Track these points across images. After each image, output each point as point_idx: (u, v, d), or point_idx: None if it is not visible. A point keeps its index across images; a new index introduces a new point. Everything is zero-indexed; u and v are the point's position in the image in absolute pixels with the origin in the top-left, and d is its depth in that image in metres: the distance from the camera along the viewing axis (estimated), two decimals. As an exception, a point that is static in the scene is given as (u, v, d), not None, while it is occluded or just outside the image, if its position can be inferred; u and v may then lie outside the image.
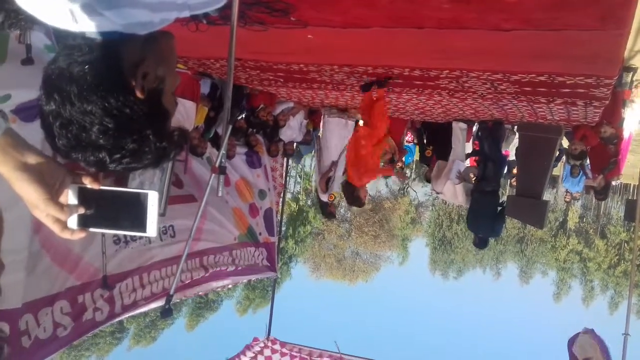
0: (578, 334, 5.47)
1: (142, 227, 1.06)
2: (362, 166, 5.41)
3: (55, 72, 0.99)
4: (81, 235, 1.05)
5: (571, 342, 5.46)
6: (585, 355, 5.08)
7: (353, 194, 5.77)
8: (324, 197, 7.92)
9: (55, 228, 1.02)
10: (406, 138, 9.01)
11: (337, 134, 7.84)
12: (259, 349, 7.09)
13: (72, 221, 1.04)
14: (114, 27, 0.92)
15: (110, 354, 32.13)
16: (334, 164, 7.86)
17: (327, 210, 8.22)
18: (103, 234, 4.56)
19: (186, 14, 1.03)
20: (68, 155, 1.02)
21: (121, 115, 1.01)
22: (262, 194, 7.83)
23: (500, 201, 7.67)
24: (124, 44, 1.01)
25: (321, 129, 8.71)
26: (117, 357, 33.02)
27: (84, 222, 1.05)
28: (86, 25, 0.90)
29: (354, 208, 42.25)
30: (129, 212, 1.06)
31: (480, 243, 7.79)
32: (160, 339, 35.04)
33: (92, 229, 1.06)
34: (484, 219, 7.39)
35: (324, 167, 7.96)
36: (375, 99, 4.95)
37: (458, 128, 7.27)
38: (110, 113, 0.99)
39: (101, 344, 31.45)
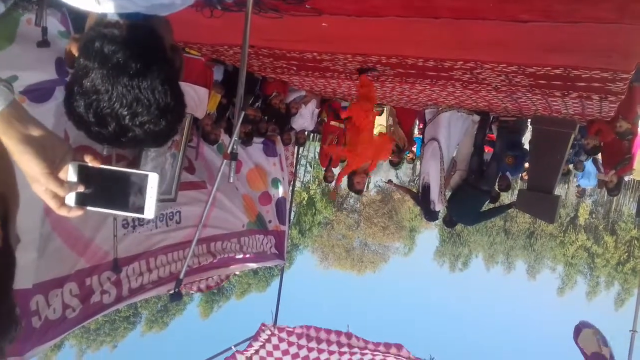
0: (580, 328, 5.43)
1: (140, 208, 1.04)
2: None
3: (116, 60, 0.99)
4: (78, 213, 1.04)
5: (576, 334, 5.43)
6: (591, 349, 5.06)
7: (351, 182, 5.77)
8: (439, 207, 7.28)
9: (53, 204, 1.01)
10: (418, 128, 8.97)
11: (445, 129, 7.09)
12: (266, 336, 7.12)
13: (70, 198, 1.03)
14: (136, 9, 0.92)
15: (124, 340, 32.62)
16: (454, 162, 7.33)
17: (435, 215, 7.52)
18: (115, 217, 4.60)
19: None
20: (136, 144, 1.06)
21: (179, 93, 1.08)
22: (275, 183, 7.86)
23: (494, 205, 7.73)
24: (158, 25, 1.04)
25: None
26: (131, 343, 33.55)
27: (82, 200, 1.03)
28: (108, 7, 0.90)
29: (364, 199, 42.49)
30: (128, 192, 1.04)
31: (450, 223, 7.86)
32: (173, 325, 35.49)
33: (89, 208, 1.05)
34: (469, 213, 7.43)
35: (447, 170, 7.18)
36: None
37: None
38: (175, 94, 1.06)
39: (120, 330, 31.87)
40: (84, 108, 1.00)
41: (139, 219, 4.99)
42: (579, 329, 5.29)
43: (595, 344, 5.02)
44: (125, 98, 0.98)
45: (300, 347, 7.15)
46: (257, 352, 6.81)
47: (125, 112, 0.99)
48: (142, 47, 1.00)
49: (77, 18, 3.49)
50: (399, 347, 6.90)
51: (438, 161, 6.95)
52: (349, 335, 7.09)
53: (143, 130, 1.02)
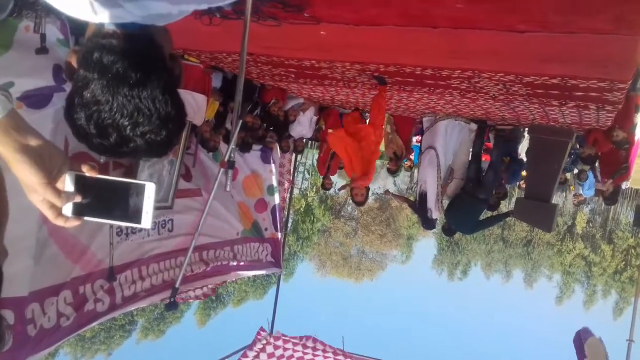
0: (587, 332, 5.41)
1: (137, 218, 1.04)
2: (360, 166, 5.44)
3: (116, 71, 0.99)
4: (75, 223, 1.04)
5: (581, 338, 5.40)
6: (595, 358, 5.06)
7: (351, 195, 5.77)
8: (436, 215, 7.29)
9: (49, 214, 1.00)
10: (416, 137, 8.97)
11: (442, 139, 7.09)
12: (261, 345, 7.10)
13: (67, 208, 1.02)
14: (132, 19, 0.93)
15: (119, 348, 32.54)
16: (451, 170, 7.25)
17: (432, 223, 7.52)
18: (111, 225, 4.59)
19: (204, 6, 1.03)
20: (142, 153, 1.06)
21: (180, 102, 1.09)
22: (271, 190, 7.86)
23: (490, 214, 7.73)
24: (157, 34, 1.05)
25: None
26: (126, 351, 33.46)
27: (79, 210, 1.03)
28: (105, 17, 0.90)
29: (361, 206, 42.49)
30: (125, 202, 1.04)
31: (449, 231, 7.87)
32: (170, 333, 35.41)
33: (86, 218, 1.04)
34: (467, 222, 7.43)
35: (444, 178, 7.15)
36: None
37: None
38: (175, 103, 1.07)
39: (115, 338, 31.80)
40: (85, 119, 1.00)
41: (132, 226, 4.96)
42: (580, 337, 5.27)
43: (602, 355, 5.02)
44: (126, 108, 0.98)
45: (295, 351, 7.13)
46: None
47: (127, 123, 0.99)
48: (141, 56, 1.00)
49: (76, 27, 3.50)
50: None
51: (435, 169, 6.96)
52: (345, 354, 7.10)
53: (144, 140, 1.02)
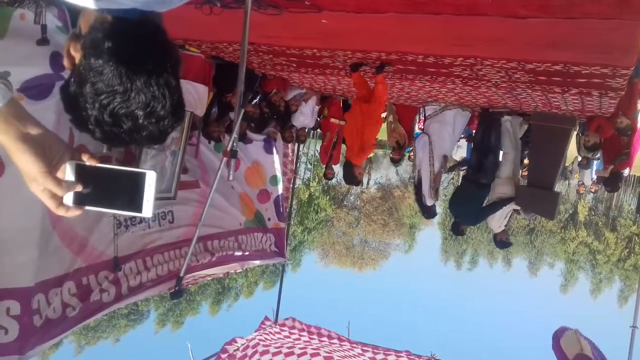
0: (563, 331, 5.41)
1: (138, 207, 1.03)
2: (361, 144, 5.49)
3: (132, 57, 0.98)
4: (76, 212, 1.04)
5: (558, 338, 5.39)
6: (575, 351, 5.05)
7: (351, 173, 5.79)
8: (430, 202, 7.31)
9: (50, 204, 1.00)
10: (419, 125, 8.95)
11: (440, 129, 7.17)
12: (264, 330, 7.14)
13: (68, 198, 1.02)
14: (133, 5, 0.92)
15: (128, 336, 32.85)
16: (445, 158, 7.22)
17: (430, 211, 7.58)
18: (114, 217, 4.61)
19: None
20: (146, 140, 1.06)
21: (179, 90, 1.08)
22: (274, 180, 7.87)
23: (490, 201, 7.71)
24: (159, 20, 1.05)
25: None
26: (141, 339, 33.75)
27: (80, 200, 1.03)
28: (105, 3, 0.90)
29: (364, 196, 42.50)
30: (126, 191, 1.03)
31: (457, 229, 7.76)
32: (186, 323, 35.64)
33: (87, 207, 1.04)
34: (471, 209, 7.36)
35: (437, 167, 7.17)
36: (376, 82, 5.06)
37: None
38: (180, 89, 1.07)
39: (118, 326, 31.97)
40: (99, 109, 0.98)
41: (131, 218, 5.00)
42: (557, 337, 5.26)
43: (577, 344, 5.00)
44: (144, 96, 0.96)
45: (301, 332, 7.17)
46: (253, 338, 6.81)
47: (142, 111, 0.97)
48: (153, 42, 1.00)
49: (76, 14, 3.49)
50: (399, 353, 6.91)
51: (427, 154, 6.99)
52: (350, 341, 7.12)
53: (157, 127, 1.01)
